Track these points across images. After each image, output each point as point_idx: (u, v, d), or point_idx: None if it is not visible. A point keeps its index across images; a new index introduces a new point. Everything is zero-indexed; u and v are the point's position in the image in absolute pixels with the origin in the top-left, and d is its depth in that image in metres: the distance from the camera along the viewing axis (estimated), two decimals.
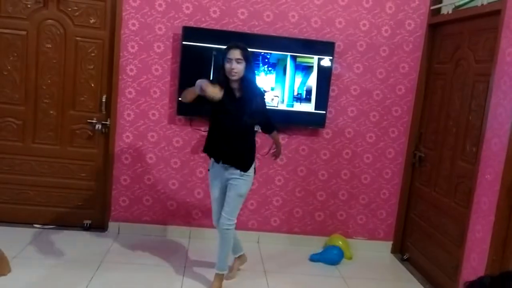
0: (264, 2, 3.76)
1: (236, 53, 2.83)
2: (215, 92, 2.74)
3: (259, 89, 3.11)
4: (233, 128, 2.93)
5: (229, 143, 2.96)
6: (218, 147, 3.01)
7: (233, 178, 3.00)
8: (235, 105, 2.90)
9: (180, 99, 3.00)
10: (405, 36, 3.91)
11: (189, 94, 2.88)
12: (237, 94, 2.93)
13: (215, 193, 3.10)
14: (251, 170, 3.04)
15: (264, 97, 3.11)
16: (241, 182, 3.01)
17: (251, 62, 2.91)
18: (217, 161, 3.03)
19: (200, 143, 3.88)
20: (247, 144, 3.03)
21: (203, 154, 3.83)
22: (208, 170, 3.15)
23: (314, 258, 3.80)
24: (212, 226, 3.93)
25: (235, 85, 2.92)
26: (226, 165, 2.99)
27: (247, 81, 2.90)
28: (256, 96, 2.95)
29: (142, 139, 3.86)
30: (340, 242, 3.91)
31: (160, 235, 3.96)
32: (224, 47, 2.93)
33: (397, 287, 3.56)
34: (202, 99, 2.82)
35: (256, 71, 3.03)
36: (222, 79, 2.89)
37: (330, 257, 3.79)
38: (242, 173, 2.99)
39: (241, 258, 3.41)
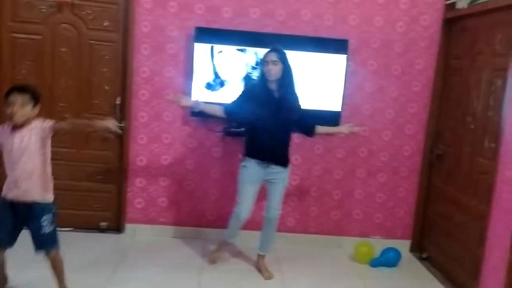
0: (276, 1, 3.74)
1: (272, 56, 3.08)
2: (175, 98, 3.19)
3: (295, 90, 3.26)
4: (274, 127, 3.13)
5: (272, 142, 3.15)
6: (262, 147, 3.17)
7: (278, 172, 3.24)
8: (275, 105, 3.12)
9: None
10: (420, 32, 3.85)
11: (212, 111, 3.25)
12: (276, 95, 3.16)
13: (250, 188, 3.23)
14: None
15: (298, 101, 3.29)
16: (286, 176, 3.31)
17: (287, 64, 3.12)
18: (262, 159, 3.18)
19: (214, 143, 3.88)
20: (287, 141, 3.27)
21: (217, 155, 3.89)
22: (244, 166, 3.24)
23: (375, 264, 3.72)
24: (226, 227, 3.93)
25: (273, 87, 3.15)
26: (268, 163, 3.19)
27: (284, 82, 3.12)
28: (293, 95, 3.20)
29: (156, 141, 3.87)
30: (366, 248, 3.80)
31: (175, 236, 3.96)
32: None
33: (416, 286, 3.50)
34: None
35: (293, 73, 3.18)
36: (262, 82, 3.16)
37: (390, 260, 3.74)
38: (285, 167, 3.27)
39: (227, 248, 3.61)
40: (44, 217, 2.63)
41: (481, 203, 3.18)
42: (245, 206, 3.23)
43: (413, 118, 3.95)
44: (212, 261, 3.51)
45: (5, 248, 2.68)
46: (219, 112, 3.21)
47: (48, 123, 2.61)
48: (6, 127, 2.59)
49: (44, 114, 3.73)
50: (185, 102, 3.18)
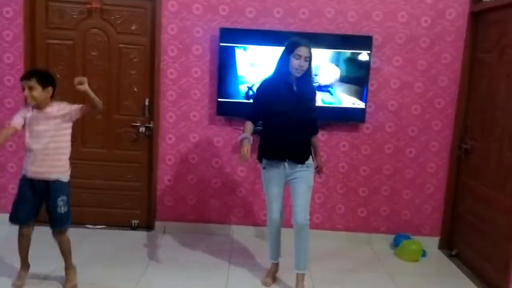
0: None
1: (306, 52, 2.90)
2: (244, 155, 2.81)
3: (314, 86, 3.22)
4: (292, 123, 2.95)
5: (290, 138, 2.97)
6: (278, 144, 3.01)
7: (298, 172, 3.03)
8: (294, 100, 2.95)
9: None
10: (446, 26, 3.80)
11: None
12: (295, 89, 2.98)
13: (274, 190, 3.08)
14: (311, 159, 3.10)
15: (316, 95, 3.17)
16: (308, 174, 3.06)
17: (311, 60, 2.97)
18: (279, 159, 3.03)
19: None
20: (306, 138, 3.09)
21: None
22: (264, 168, 3.11)
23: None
24: (254, 224, 3.99)
25: (293, 80, 2.97)
26: (287, 162, 3.01)
27: (306, 78, 2.98)
28: (312, 91, 3.10)
29: (184, 140, 3.96)
30: (414, 247, 3.80)
31: (204, 233, 4.04)
32: (288, 42, 2.97)
33: (446, 283, 3.46)
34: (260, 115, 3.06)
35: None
36: (282, 75, 2.96)
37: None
38: (308, 163, 3.05)
39: (275, 269, 3.33)
40: (61, 198, 2.82)
41: (510, 199, 3.13)
42: (273, 207, 3.10)
43: (440, 113, 3.91)
44: (265, 284, 3.23)
45: (28, 224, 2.87)
46: (250, 125, 3.03)
47: (77, 106, 2.84)
48: (30, 108, 2.78)
49: None
50: (246, 149, 2.87)
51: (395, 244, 3.96)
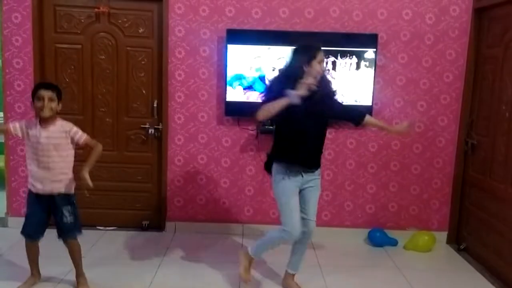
0: None
1: (323, 55, 2.75)
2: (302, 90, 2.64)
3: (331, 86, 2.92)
4: (311, 128, 2.81)
5: (309, 144, 2.83)
6: (299, 151, 2.81)
7: (313, 180, 2.92)
8: (313, 104, 2.72)
9: (258, 117, 2.74)
10: (450, 22, 3.84)
11: (276, 107, 2.64)
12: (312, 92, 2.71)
13: (295, 202, 2.85)
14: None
15: (335, 92, 2.92)
16: (319, 182, 2.99)
17: None
18: (300, 165, 2.83)
19: (248, 141, 3.98)
20: (323, 143, 2.96)
21: (252, 153, 3.98)
22: (283, 178, 2.84)
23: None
24: (263, 222, 4.02)
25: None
26: (304, 170, 2.85)
27: (324, 80, 2.78)
28: (331, 93, 2.88)
29: (193, 141, 4.00)
30: (426, 237, 3.89)
31: (214, 232, 4.08)
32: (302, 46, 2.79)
33: (456, 277, 3.49)
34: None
35: None
36: (295, 78, 2.69)
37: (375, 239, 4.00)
38: (319, 171, 2.96)
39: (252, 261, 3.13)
40: (66, 208, 2.84)
41: None
42: (295, 224, 2.81)
43: (446, 109, 3.95)
44: (247, 281, 3.07)
45: (37, 239, 2.91)
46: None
47: (82, 137, 2.83)
48: (34, 121, 2.81)
49: (86, 119, 3.99)
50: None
51: (370, 238, 4.01)
